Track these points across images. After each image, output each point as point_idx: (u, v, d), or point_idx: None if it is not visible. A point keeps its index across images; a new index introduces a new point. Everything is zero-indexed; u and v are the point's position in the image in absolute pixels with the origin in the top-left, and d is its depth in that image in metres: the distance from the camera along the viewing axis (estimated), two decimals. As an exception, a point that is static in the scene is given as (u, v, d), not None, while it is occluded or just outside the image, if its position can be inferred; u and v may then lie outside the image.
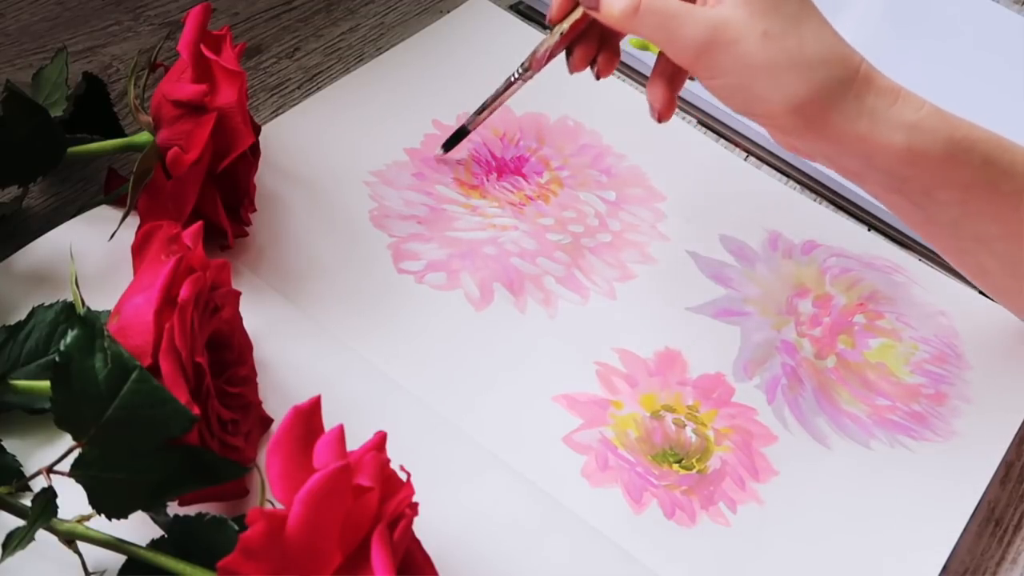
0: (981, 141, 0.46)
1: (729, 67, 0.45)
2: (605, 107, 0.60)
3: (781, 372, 0.49)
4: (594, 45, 0.50)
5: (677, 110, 0.61)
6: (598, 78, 0.51)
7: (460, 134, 0.54)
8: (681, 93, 0.61)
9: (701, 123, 0.61)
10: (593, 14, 0.48)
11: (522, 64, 0.51)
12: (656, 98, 0.50)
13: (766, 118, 0.47)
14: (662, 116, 0.50)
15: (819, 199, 0.59)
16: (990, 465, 0.47)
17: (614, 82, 0.62)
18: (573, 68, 0.50)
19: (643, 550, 0.42)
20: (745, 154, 0.60)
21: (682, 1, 0.46)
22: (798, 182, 0.59)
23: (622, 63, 0.63)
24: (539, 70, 0.51)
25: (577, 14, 0.49)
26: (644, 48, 0.64)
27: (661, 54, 0.49)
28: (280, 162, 0.53)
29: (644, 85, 0.62)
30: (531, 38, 0.63)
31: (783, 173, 0.60)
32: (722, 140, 0.61)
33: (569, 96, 0.60)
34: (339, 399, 0.43)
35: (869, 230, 0.58)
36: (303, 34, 0.61)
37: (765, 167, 0.60)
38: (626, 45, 0.64)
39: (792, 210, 0.57)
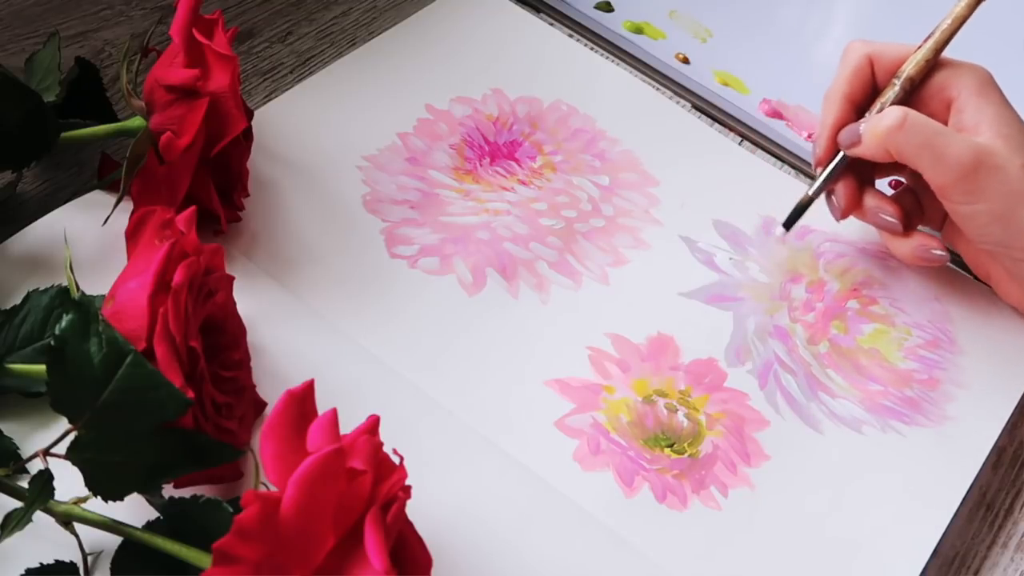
0: None
1: (993, 192, 0.47)
2: (599, 92, 0.60)
3: (773, 357, 0.49)
4: (856, 185, 0.52)
5: (671, 94, 0.61)
6: (844, 216, 0.52)
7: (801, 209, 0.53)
8: (675, 77, 0.62)
9: (696, 108, 0.61)
10: (855, 151, 0.50)
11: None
12: (843, 196, 0.51)
13: (1020, 251, 0.49)
14: (845, 214, 0.52)
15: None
16: (982, 450, 0.48)
17: (608, 66, 0.62)
18: (843, 214, 0.52)
19: (634, 533, 0.42)
20: (739, 139, 0.60)
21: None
22: (792, 167, 0.59)
23: (616, 47, 0.63)
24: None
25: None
26: (638, 32, 0.64)
27: (846, 156, 0.51)
28: (273, 147, 0.53)
29: (639, 70, 0.62)
30: (523, 21, 0.63)
31: (777, 158, 0.60)
32: (716, 125, 0.61)
33: (562, 80, 0.60)
34: (332, 383, 0.43)
35: (862, 215, 0.58)
36: (295, 18, 0.61)
37: (759, 152, 0.60)
38: (619, 28, 0.64)
39: (786, 195, 0.57)
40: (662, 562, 0.42)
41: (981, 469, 0.47)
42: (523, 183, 0.54)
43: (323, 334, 0.46)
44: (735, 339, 0.50)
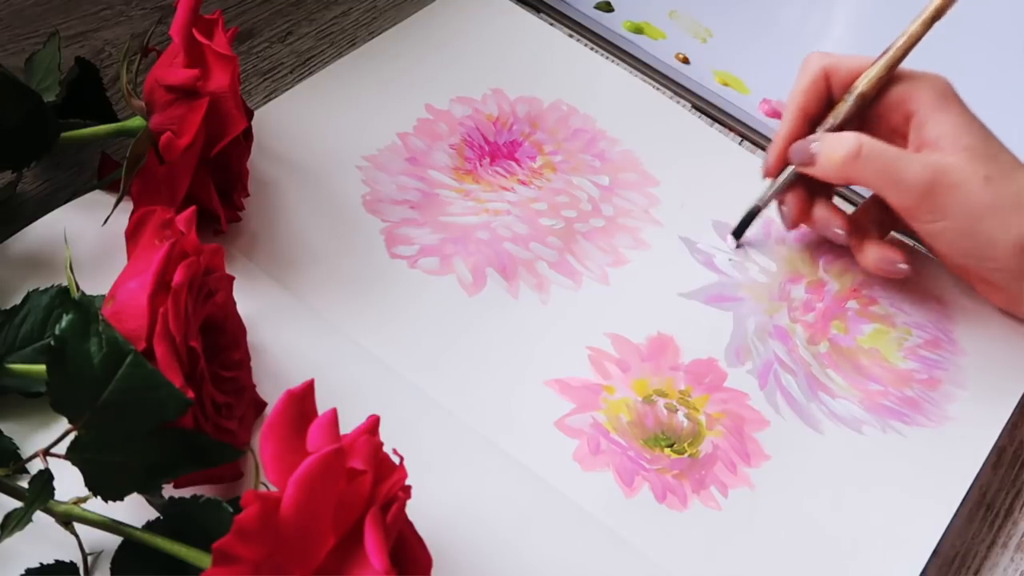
0: None
1: (954, 209, 0.47)
2: (599, 92, 0.60)
3: (773, 357, 0.49)
4: (807, 195, 0.52)
5: (671, 95, 0.61)
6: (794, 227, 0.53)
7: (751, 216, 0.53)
8: (675, 77, 0.62)
9: (696, 108, 0.61)
10: (808, 171, 0.50)
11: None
12: (793, 207, 0.52)
13: (991, 261, 0.49)
14: (795, 225, 0.52)
15: (812, 184, 0.59)
16: (982, 450, 0.48)
17: (608, 66, 0.62)
18: (792, 224, 0.52)
19: (634, 533, 0.42)
20: (739, 139, 0.60)
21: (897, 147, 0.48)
22: (791, 167, 0.59)
23: (616, 47, 0.63)
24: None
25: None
26: (638, 32, 0.64)
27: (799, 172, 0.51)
28: (273, 147, 0.53)
29: (638, 69, 0.62)
30: (523, 21, 0.63)
31: (777, 158, 0.60)
32: (716, 125, 0.61)
33: (562, 80, 0.60)
34: (332, 383, 0.43)
35: (862, 215, 0.58)
36: (295, 18, 0.61)
37: (759, 152, 0.60)
38: (619, 28, 0.64)
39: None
40: (662, 562, 0.42)
41: (981, 469, 0.47)
42: (523, 183, 0.54)
43: (323, 334, 0.46)
44: (735, 339, 0.50)
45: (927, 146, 0.49)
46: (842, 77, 0.51)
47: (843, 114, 0.50)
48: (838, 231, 0.51)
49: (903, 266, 0.51)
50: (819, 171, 0.49)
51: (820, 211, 0.51)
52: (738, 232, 0.53)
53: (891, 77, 0.50)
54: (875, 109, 0.50)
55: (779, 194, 0.52)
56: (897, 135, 0.50)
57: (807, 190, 0.52)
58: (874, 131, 0.50)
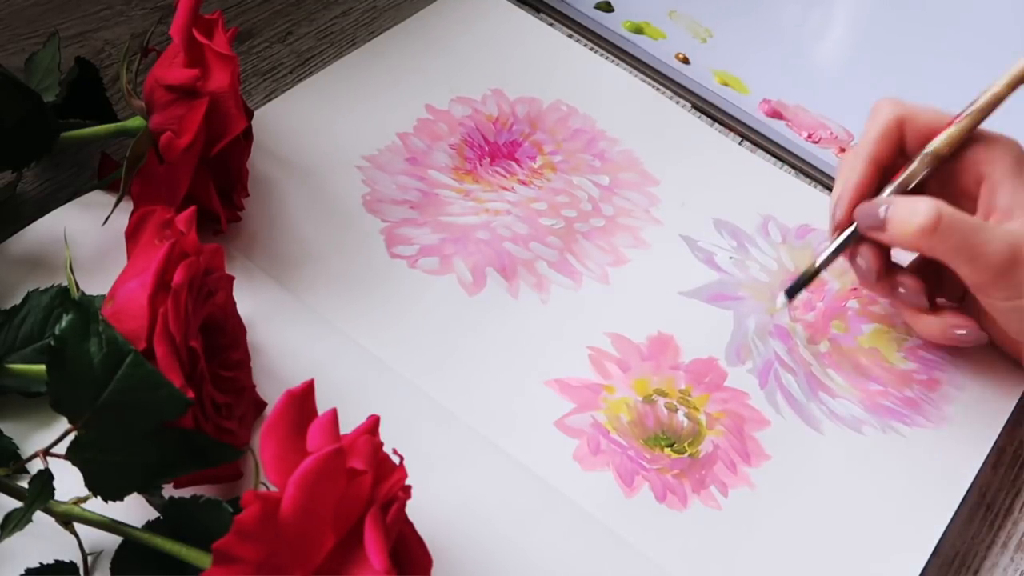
0: None
1: None
2: (599, 92, 0.60)
3: (774, 357, 0.49)
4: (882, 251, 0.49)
5: (671, 95, 0.61)
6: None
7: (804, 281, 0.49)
8: (675, 77, 0.62)
9: (696, 108, 0.61)
10: (876, 236, 0.46)
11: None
12: (870, 262, 0.48)
13: None
14: (880, 276, 0.48)
15: (813, 183, 0.59)
16: (982, 450, 0.48)
17: (608, 66, 0.62)
18: (877, 275, 0.48)
19: (634, 533, 0.42)
20: (739, 138, 0.60)
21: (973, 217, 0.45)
22: (792, 166, 0.59)
23: (616, 47, 0.63)
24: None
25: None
26: (638, 32, 0.64)
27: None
28: (273, 147, 0.53)
29: (638, 69, 0.62)
30: (523, 21, 0.63)
31: (777, 157, 0.60)
32: (716, 124, 0.61)
33: (562, 80, 0.60)
34: (332, 383, 0.43)
35: (862, 215, 0.58)
36: (295, 18, 0.61)
37: (759, 151, 0.60)
38: (619, 28, 0.64)
39: (786, 194, 0.57)
40: (662, 562, 0.42)
41: (981, 469, 0.47)
42: (523, 183, 0.54)
43: (323, 334, 0.46)
44: (735, 338, 0.50)
45: (998, 213, 0.46)
46: (918, 129, 0.47)
47: (916, 174, 0.47)
48: (915, 296, 0.48)
49: (963, 332, 0.48)
50: (889, 238, 0.46)
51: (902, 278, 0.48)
52: (792, 292, 0.48)
53: (968, 138, 0.47)
54: (947, 168, 0.47)
55: (838, 255, 0.48)
56: (966, 197, 0.47)
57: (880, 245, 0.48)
58: (943, 190, 0.47)
